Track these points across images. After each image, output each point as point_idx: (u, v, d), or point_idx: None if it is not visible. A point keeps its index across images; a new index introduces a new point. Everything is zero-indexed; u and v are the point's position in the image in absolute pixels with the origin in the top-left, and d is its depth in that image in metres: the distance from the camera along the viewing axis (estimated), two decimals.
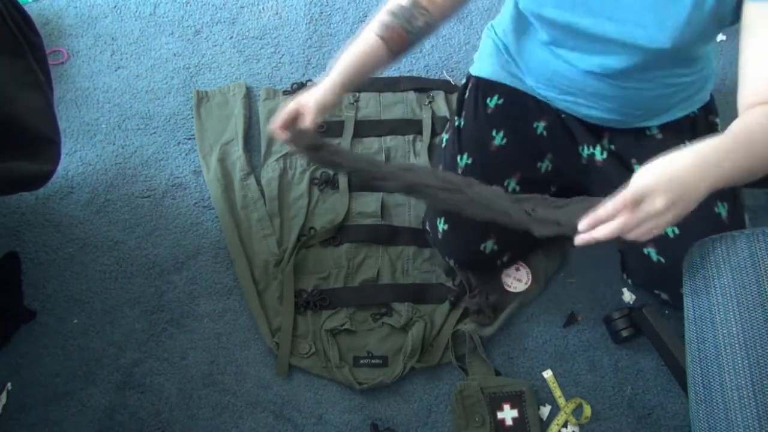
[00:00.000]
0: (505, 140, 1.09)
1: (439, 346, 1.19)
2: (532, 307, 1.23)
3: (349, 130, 1.40)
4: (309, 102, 0.93)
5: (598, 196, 0.76)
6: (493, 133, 1.09)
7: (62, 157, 1.14)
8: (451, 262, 1.18)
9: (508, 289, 1.21)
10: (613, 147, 1.08)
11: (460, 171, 1.09)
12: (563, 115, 1.10)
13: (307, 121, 0.93)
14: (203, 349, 1.20)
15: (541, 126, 1.11)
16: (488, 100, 1.11)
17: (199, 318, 1.23)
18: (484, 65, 1.14)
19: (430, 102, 1.44)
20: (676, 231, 0.97)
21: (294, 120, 0.94)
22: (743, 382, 0.69)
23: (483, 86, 1.13)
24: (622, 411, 1.14)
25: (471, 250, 1.11)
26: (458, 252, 1.14)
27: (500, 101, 1.11)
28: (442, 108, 1.43)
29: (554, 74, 1.01)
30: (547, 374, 1.17)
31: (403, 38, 0.94)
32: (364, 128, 1.42)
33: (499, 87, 1.11)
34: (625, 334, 1.15)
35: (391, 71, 1.48)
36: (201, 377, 1.18)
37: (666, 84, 0.97)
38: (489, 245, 1.10)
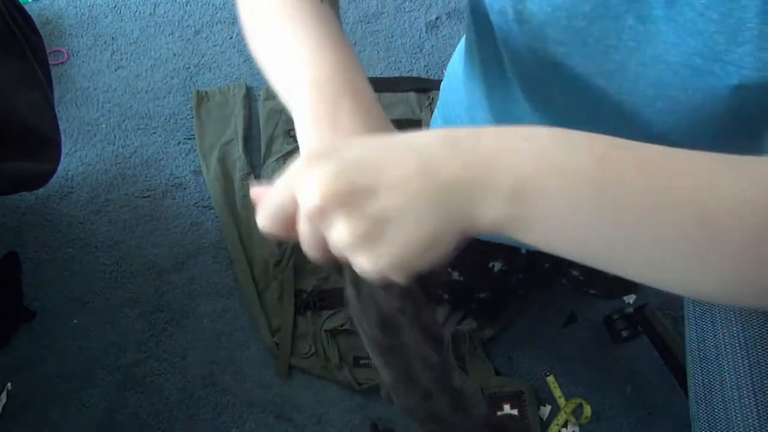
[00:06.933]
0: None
1: None
2: (532, 307, 1.23)
3: None
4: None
5: None
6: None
7: (62, 157, 1.14)
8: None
9: None
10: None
11: None
12: (523, 251, 0.86)
13: None
14: (203, 349, 1.20)
15: (497, 265, 0.89)
16: None
17: (199, 318, 1.23)
18: None
19: (430, 103, 1.44)
20: None
21: None
22: (743, 381, 0.69)
23: None
24: (622, 411, 1.14)
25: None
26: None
27: None
28: None
29: None
30: (547, 374, 1.17)
31: None
32: None
33: None
34: (625, 334, 1.15)
35: (391, 71, 1.48)
36: (201, 377, 1.18)
37: None
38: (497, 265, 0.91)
